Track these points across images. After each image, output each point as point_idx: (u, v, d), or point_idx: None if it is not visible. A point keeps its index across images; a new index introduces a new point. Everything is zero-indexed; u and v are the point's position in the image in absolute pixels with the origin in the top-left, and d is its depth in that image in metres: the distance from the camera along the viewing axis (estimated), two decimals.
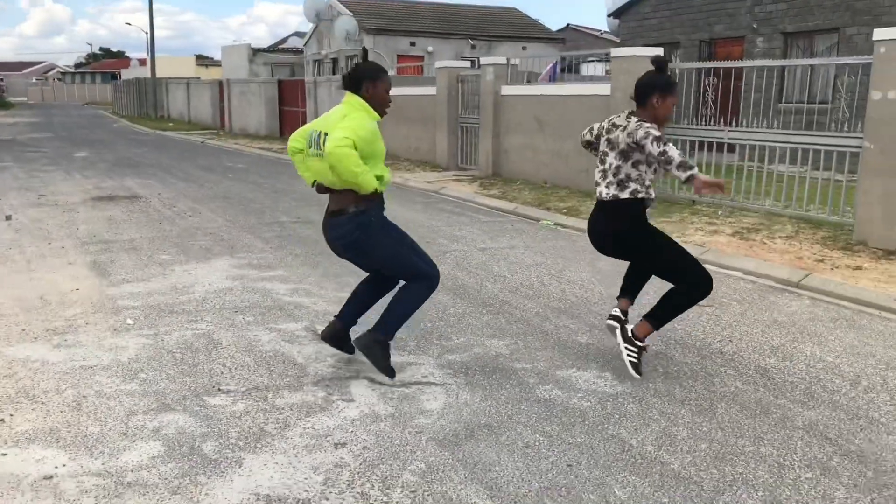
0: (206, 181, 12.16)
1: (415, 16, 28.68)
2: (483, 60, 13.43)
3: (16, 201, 9.96)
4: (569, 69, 27.30)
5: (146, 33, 37.04)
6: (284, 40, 42.88)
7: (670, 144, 3.89)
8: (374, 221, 3.90)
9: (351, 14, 26.23)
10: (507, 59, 13.16)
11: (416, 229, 8.42)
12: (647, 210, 4.12)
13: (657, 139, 3.86)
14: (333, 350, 4.42)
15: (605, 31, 28.48)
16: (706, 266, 6.79)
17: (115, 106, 49.30)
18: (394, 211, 9.67)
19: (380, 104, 3.93)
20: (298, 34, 40.80)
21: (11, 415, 3.48)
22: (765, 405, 3.75)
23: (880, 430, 3.50)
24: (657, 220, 8.75)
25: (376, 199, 3.90)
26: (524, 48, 28.34)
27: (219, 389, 3.83)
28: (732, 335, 4.86)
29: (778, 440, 3.36)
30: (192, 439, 3.26)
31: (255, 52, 33.67)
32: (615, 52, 10.45)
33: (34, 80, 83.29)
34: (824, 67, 13.47)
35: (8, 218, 8.58)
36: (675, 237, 7.83)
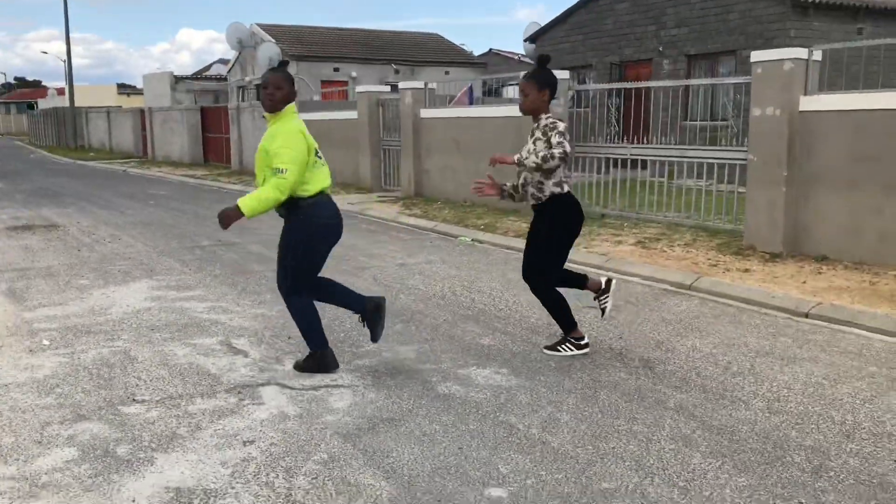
0: (127, 208, 12.14)
1: (338, 42, 29.03)
2: (402, 85, 13.83)
3: None
4: (490, 92, 28.09)
5: (63, 62, 36.31)
6: (208, 67, 42.59)
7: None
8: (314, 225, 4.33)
9: (273, 41, 26.40)
10: (425, 84, 13.59)
11: (337, 249, 8.64)
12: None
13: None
14: (247, 360, 4.65)
15: (523, 56, 29.36)
16: (608, 273, 7.22)
17: (31, 136, 47.96)
18: None
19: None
20: (223, 61, 40.63)
21: None
22: (643, 391, 4.14)
23: (740, 407, 3.92)
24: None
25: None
26: (447, 73, 28.97)
27: (133, 399, 4.00)
28: (623, 333, 5.28)
29: (650, 419, 3.74)
30: (106, 444, 3.44)
31: (178, 79, 33.42)
32: (524, 75, 10.95)
33: None
34: (724, 86, 14.35)
35: None
36: (581, 248, 8.32)
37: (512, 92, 22.52)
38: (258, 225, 10.55)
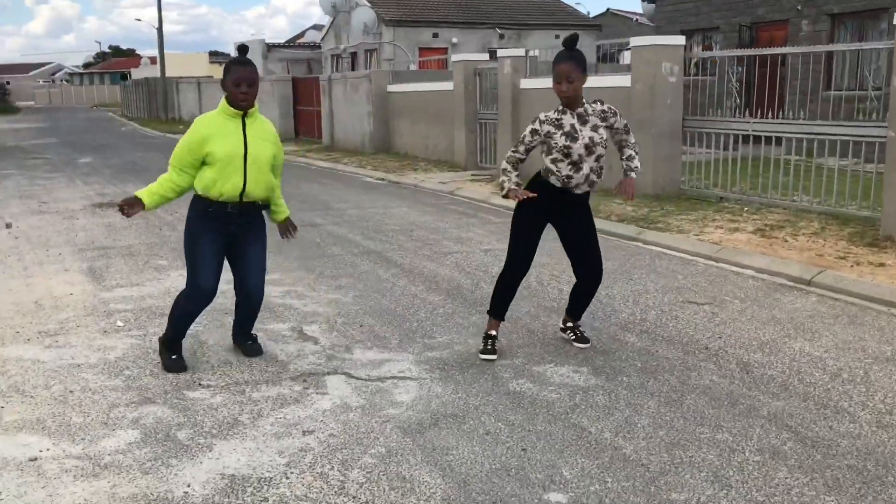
0: None
1: (438, 5, 29.27)
2: (501, 52, 13.89)
3: (17, 209, 10.68)
4: (606, 58, 27.65)
5: (156, 29, 38.22)
6: (302, 34, 43.81)
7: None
8: (195, 212, 4.45)
9: (369, 4, 26.91)
10: (526, 51, 13.61)
11: (421, 232, 8.90)
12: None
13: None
14: (316, 348, 4.91)
15: (641, 16, 28.72)
16: (718, 265, 7.12)
17: (123, 108, 50.75)
18: (402, 214, 10.24)
19: (231, 98, 4.35)
20: (317, 27, 41.69)
21: (2, 407, 4.02)
22: (735, 397, 4.13)
23: (844, 418, 3.86)
24: (676, 217, 9.10)
25: (207, 200, 4.36)
26: (557, 36, 28.73)
27: (199, 384, 4.33)
28: (723, 332, 5.24)
29: (737, 428, 3.74)
30: (168, 428, 3.76)
31: (270, 47, 34.57)
32: (634, 41, 10.83)
33: (41, 83, 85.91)
34: (868, 52, 13.66)
35: (8, 226, 9.26)
36: (691, 235, 8.21)
37: (626, 58, 22.13)
38: (343, 205, 10.94)
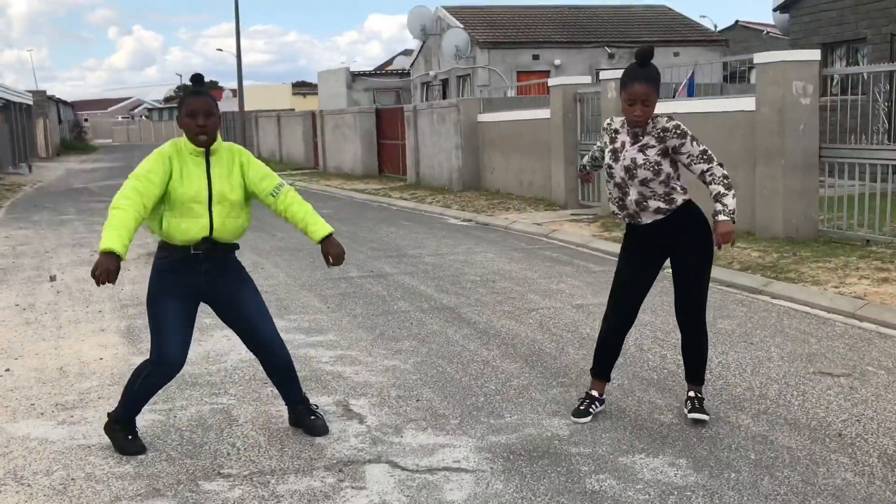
0: (279, 230, 12.88)
1: (538, 23, 29.20)
2: (605, 74, 13.57)
3: (66, 259, 10.94)
4: (733, 78, 26.89)
5: (238, 59, 39.61)
6: (391, 61, 44.65)
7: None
8: (155, 264, 4.34)
9: (462, 26, 27.08)
10: None
11: (504, 283, 8.61)
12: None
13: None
14: (361, 428, 4.66)
15: (772, 28, 27.89)
16: (855, 323, 6.59)
17: None
18: (486, 261, 9.98)
19: (187, 133, 4.22)
20: (407, 52, 42.40)
21: None
22: (874, 503, 3.63)
23: None
24: (812, 265, 8.52)
25: (169, 246, 4.23)
26: (676, 54, 28.19)
27: (219, 473, 4.12)
28: (864, 413, 4.71)
29: None
30: None
31: (355, 76, 35.28)
32: (759, 57, 10.34)
33: (120, 119, 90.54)
34: None
35: (52, 279, 9.46)
36: (829, 287, 7.61)
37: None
38: (420, 251, 10.76)
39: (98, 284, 3.99)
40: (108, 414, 4.57)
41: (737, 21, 38.46)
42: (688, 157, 4.42)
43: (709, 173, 4.42)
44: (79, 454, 4.41)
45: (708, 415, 4.61)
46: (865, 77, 11.83)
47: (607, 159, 4.55)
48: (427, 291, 8.31)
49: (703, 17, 30.72)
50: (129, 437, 4.44)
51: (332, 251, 4.37)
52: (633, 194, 4.46)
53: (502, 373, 5.60)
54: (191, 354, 6.23)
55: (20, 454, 4.44)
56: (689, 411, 4.62)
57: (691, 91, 14.07)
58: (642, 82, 4.30)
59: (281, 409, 5.00)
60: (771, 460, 4.11)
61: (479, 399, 5.11)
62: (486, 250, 10.89)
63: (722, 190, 4.40)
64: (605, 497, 3.77)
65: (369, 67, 56.90)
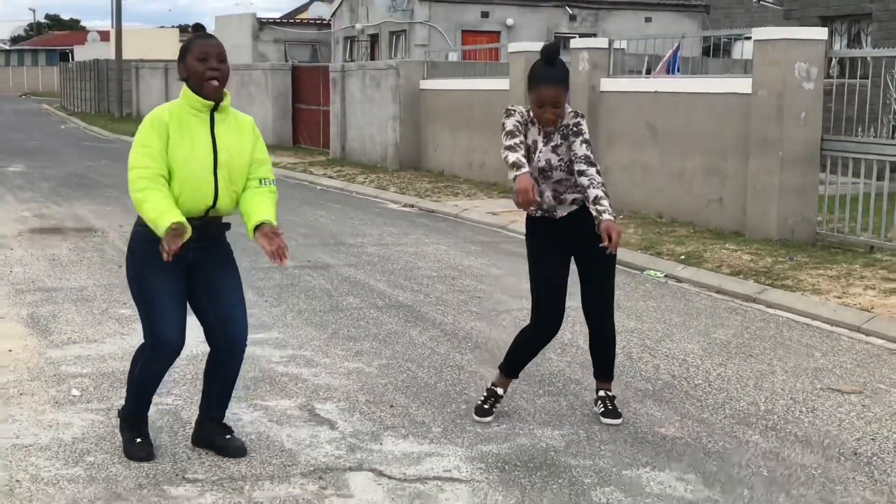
0: None
1: None
2: (576, 43, 14.13)
3: None
4: (715, 51, 27.79)
5: None
6: (304, 7, 44.64)
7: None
8: (136, 235, 4.58)
9: None
10: (610, 41, 13.82)
11: (466, 280, 9.07)
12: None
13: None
14: (334, 434, 5.07)
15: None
16: (862, 337, 7.17)
17: (63, 98, 51.86)
18: (439, 254, 10.44)
19: (194, 80, 4.44)
20: None
21: None
22: None
23: None
24: (811, 271, 9.15)
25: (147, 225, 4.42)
26: (648, 20, 29.05)
27: (183, 478, 4.49)
28: (878, 432, 5.30)
29: None
30: None
31: (263, 24, 35.31)
32: (758, 33, 10.98)
33: None
34: None
35: None
36: (831, 297, 8.25)
37: (742, 50, 22.31)
38: (361, 240, 11.16)
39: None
40: (118, 412, 4.90)
41: None
42: (572, 154, 5.05)
43: (588, 176, 5.04)
44: (17, 455, 4.72)
45: (621, 417, 5.31)
46: (869, 60, 12.58)
47: None
48: (378, 286, 8.73)
49: None
50: (138, 439, 4.72)
51: (273, 233, 4.57)
52: (547, 191, 5.12)
53: (481, 379, 6.05)
54: (113, 348, 6.57)
55: None
56: (603, 414, 5.32)
57: (673, 69, 14.67)
58: (551, 84, 4.91)
59: (235, 412, 5.38)
60: (785, 478, 4.66)
61: (460, 406, 5.56)
62: (437, 241, 11.34)
63: (601, 194, 5.01)
64: None
65: (276, 14, 56.64)
